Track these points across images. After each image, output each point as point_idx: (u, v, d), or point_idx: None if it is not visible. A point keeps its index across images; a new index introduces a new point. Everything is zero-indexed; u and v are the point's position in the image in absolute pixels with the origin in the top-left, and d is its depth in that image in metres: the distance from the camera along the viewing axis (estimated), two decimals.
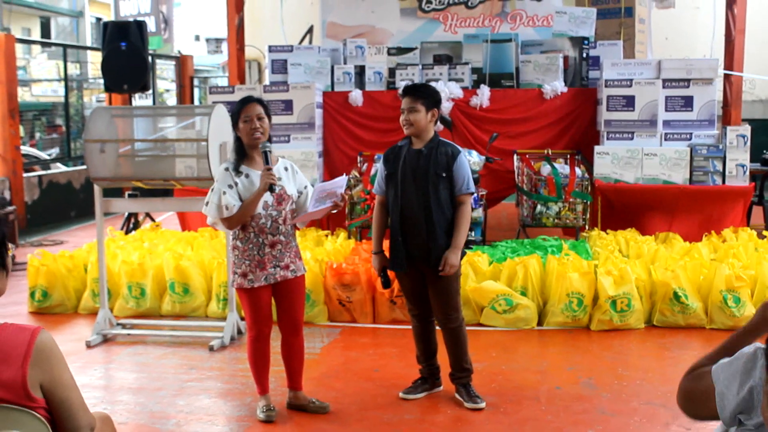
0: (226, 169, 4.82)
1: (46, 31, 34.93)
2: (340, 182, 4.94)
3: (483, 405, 5.08)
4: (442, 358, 5.32)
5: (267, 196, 4.76)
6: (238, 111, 4.82)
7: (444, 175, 4.95)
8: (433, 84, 9.36)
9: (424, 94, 5.00)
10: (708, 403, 2.34)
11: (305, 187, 5.03)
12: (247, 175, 4.80)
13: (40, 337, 2.49)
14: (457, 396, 5.20)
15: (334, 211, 5.13)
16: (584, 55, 9.77)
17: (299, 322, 5.05)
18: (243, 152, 4.86)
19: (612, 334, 6.56)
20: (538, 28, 10.53)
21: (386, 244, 5.21)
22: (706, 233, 8.22)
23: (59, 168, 14.80)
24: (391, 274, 5.21)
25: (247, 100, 4.86)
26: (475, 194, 8.18)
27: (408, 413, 5.03)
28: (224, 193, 4.72)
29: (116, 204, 7.10)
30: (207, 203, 4.81)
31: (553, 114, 9.48)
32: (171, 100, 20.84)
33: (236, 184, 4.76)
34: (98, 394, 5.49)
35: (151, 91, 13.75)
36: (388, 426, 4.85)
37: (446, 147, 5.02)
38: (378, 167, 5.26)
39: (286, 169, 4.96)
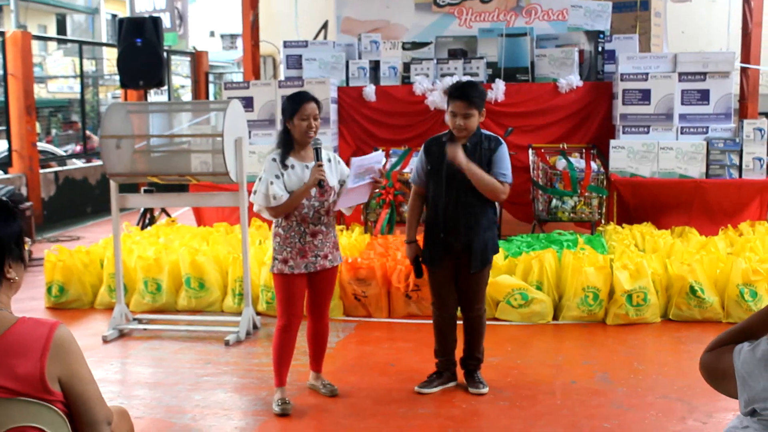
0: (273, 160, 4.90)
1: (61, 28, 35.10)
2: (377, 157, 5.06)
3: (485, 390, 5.20)
4: (459, 353, 5.34)
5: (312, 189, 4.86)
6: (297, 107, 4.87)
7: (487, 169, 4.97)
8: (447, 79, 9.38)
9: (478, 98, 4.94)
10: (728, 383, 2.34)
11: (347, 177, 5.11)
12: (292, 166, 4.90)
13: (58, 331, 2.50)
14: (464, 381, 5.30)
15: (377, 190, 5.20)
16: (600, 48, 9.72)
17: (326, 307, 5.21)
18: (290, 144, 4.94)
19: (628, 329, 6.54)
20: (553, 22, 10.48)
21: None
22: (722, 227, 8.18)
23: (75, 164, 14.86)
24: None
25: (306, 98, 4.92)
26: None
27: (423, 407, 5.03)
28: (271, 183, 4.82)
29: (132, 199, 7.13)
30: (255, 192, 4.92)
31: (569, 108, 9.44)
32: (186, 96, 20.87)
33: (282, 174, 4.86)
34: (114, 388, 5.52)
35: (166, 87, 13.77)
36: (403, 420, 4.86)
37: (489, 141, 5.04)
38: (418, 158, 5.26)
39: (329, 160, 5.05)
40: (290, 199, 4.84)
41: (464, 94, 4.93)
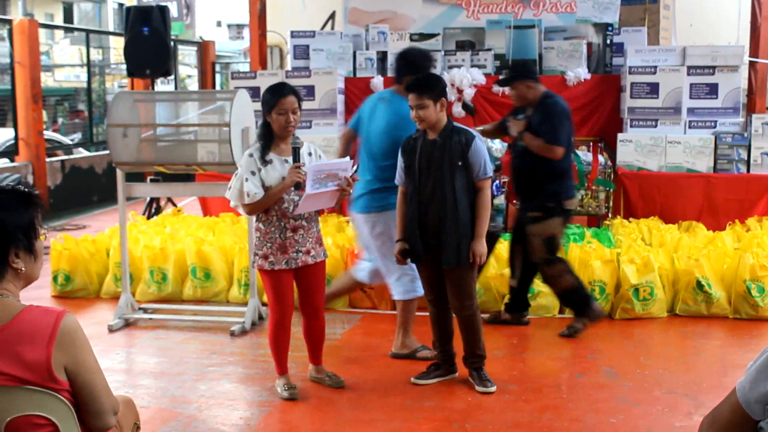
0: (251, 155, 4.83)
1: (68, 16, 35.12)
2: (343, 164, 4.88)
3: (493, 389, 5.11)
4: (459, 345, 5.32)
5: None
6: (275, 102, 4.77)
7: (460, 163, 4.93)
8: (454, 71, 9.35)
9: (428, 88, 4.94)
10: (738, 426, 2.28)
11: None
12: (271, 161, 4.83)
13: (65, 320, 2.50)
14: (470, 379, 5.24)
15: (342, 198, 4.96)
16: (608, 41, 9.68)
17: (320, 306, 5.13)
18: (270, 138, 4.86)
19: (634, 323, 6.52)
20: (561, 14, 10.44)
21: None
22: (729, 222, 8.15)
23: (82, 153, 14.86)
24: None
25: (284, 92, 4.80)
26: (497, 181, 8.14)
27: (428, 400, 5.02)
28: (246, 179, 4.75)
29: (138, 189, 7.12)
30: (230, 188, 4.86)
31: (576, 101, 9.37)
32: (193, 85, 20.86)
33: (259, 170, 4.78)
34: (120, 378, 5.52)
35: (173, 77, 13.78)
36: (408, 412, 4.84)
37: (460, 135, 4.98)
38: (398, 158, 5.25)
39: (310, 154, 4.98)
40: (265, 198, 4.76)
41: (414, 86, 4.97)
